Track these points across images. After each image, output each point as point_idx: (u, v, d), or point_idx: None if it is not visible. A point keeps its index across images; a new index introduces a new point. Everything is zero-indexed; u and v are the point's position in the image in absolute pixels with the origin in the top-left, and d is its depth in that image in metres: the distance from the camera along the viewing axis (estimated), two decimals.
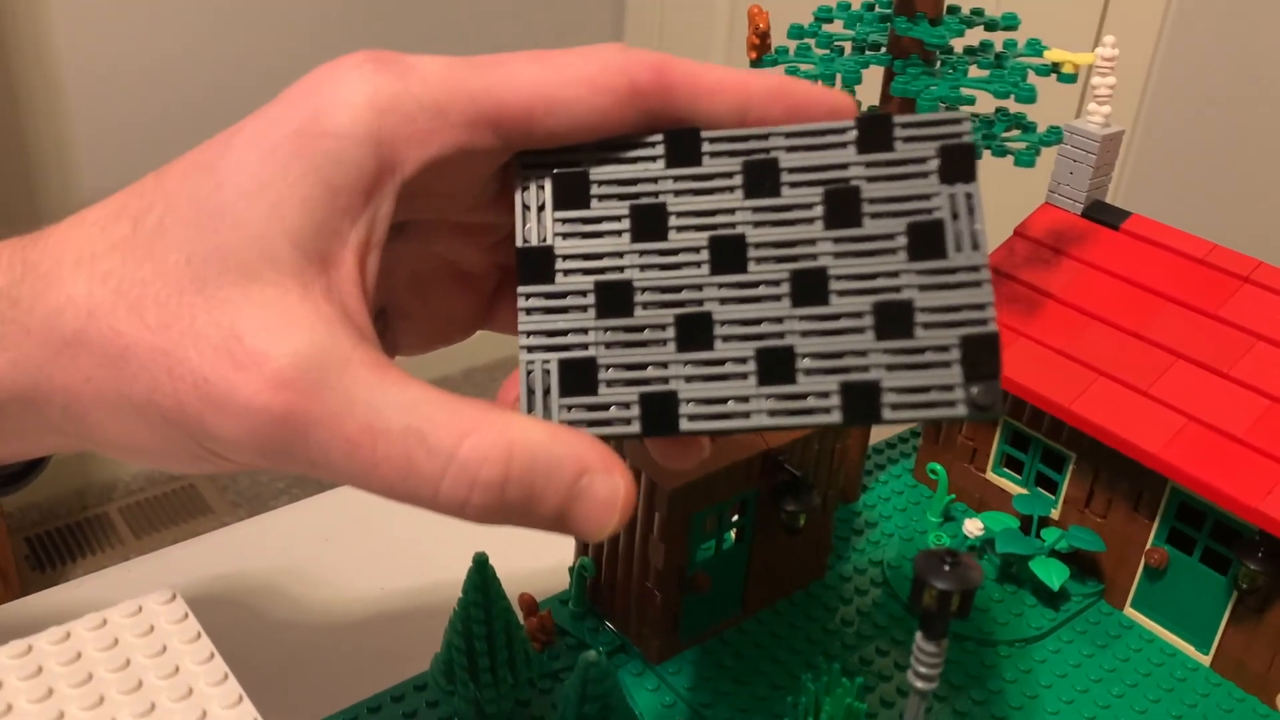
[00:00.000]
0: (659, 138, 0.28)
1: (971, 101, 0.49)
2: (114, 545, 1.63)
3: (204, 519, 1.68)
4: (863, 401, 0.26)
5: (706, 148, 0.28)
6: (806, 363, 0.27)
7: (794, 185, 0.28)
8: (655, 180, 0.28)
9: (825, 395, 0.26)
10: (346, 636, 0.50)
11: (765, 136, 0.28)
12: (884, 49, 0.47)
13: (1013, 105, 0.47)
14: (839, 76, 0.44)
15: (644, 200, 0.28)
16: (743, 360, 0.27)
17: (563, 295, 0.28)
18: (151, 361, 0.26)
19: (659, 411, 0.27)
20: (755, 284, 0.27)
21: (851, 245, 0.27)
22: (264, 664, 0.48)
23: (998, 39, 0.49)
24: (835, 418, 0.26)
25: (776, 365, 0.27)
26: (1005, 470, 0.55)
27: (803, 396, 0.26)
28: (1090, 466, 0.50)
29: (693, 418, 0.27)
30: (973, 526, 0.52)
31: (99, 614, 0.31)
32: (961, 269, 0.27)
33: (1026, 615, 0.50)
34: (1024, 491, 0.54)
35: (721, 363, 0.27)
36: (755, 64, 0.47)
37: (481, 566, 0.41)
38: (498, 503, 0.25)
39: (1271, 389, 0.45)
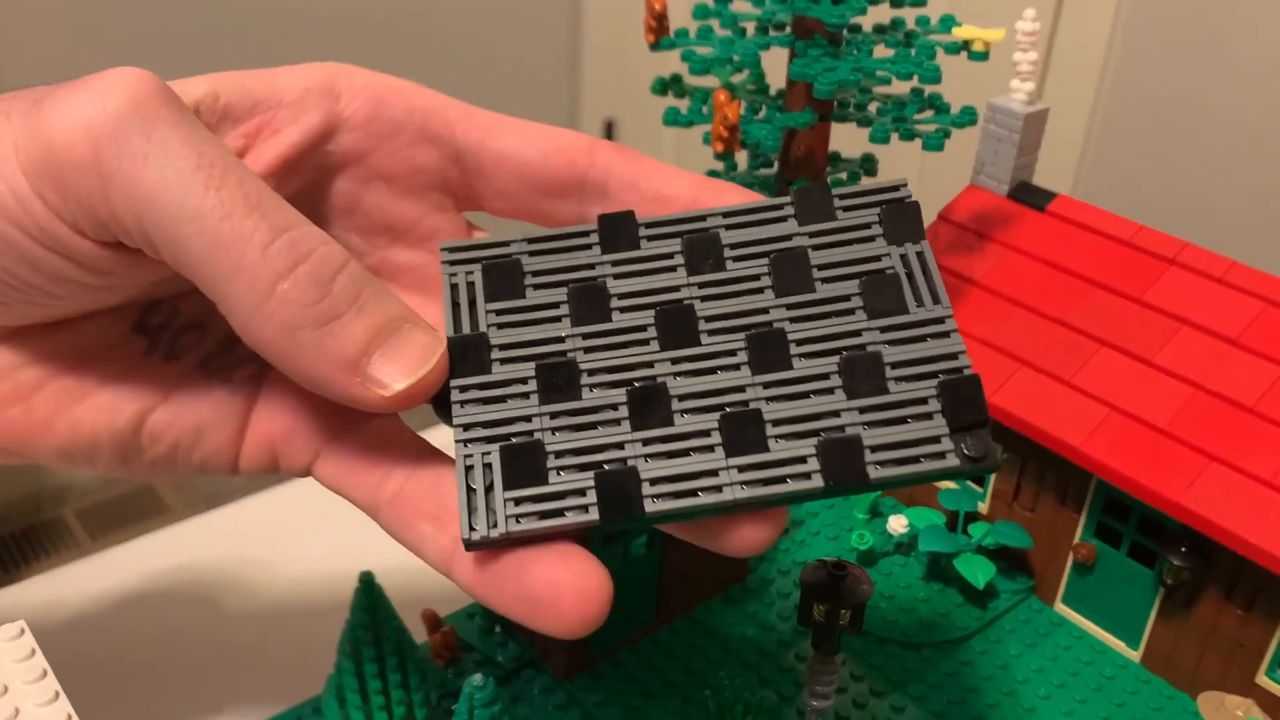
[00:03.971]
0: (591, 226, 0.27)
1: (887, 82, 0.47)
2: (70, 548, 1.60)
3: (161, 519, 1.65)
4: (844, 460, 0.24)
5: (643, 232, 0.27)
6: (777, 428, 0.24)
7: (738, 259, 0.26)
8: (593, 266, 0.27)
9: (802, 460, 0.24)
10: (247, 654, 0.48)
11: (703, 218, 0.27)
12: (788, 29, 0.45)
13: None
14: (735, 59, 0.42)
15: (582, 283, 0.26)
16: (706, 433, 0.24)
17: (502, 384, 0.26)
18: None
19: (618, 493, 0.24)
20: (710, 355, 0.25)
21: (806, 310, 0.26)
22: (159, 684, 0.46)
23: (909, 16, 0.47)
24: (816, 482, 0.24)
25: (744, 432, 0.24)
26: None
27: (778, 464, 0.24)
28: (1017, 458, 0.48)
29: (658, 497, 0.24)
30: (897, 524, 0.50)
31: None
32: (926, 321, 0.25)
33: (953, 615, 0.48)
34: (952, 486, 0.52)
35: (683, 437, 0.24)
36: (654, 47, 0.44)
37: (368, 586, 0.39)
38: (309, 299, 0.24)
39: (1195, 376, 0.44)
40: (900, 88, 0.47)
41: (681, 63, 0.45)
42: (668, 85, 0.48)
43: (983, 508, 0.51)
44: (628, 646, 0.46)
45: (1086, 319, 0.47)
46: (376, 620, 0.39)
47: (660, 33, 0.44)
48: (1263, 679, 0.42)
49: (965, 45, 0.44)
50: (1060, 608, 0.49)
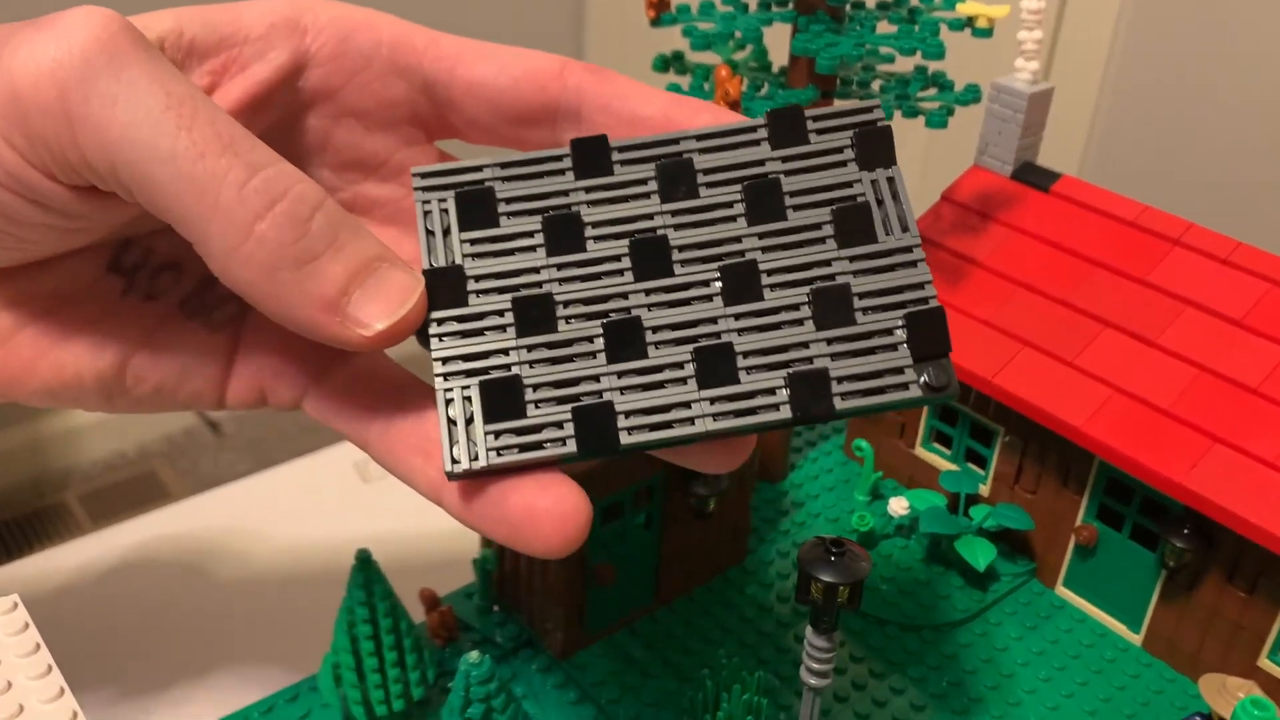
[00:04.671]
0: (564, 150, 0.27)
1: (891, 60, 0.47)
2: (72, 533, 1.60)
3: (163, 502, 1.65)
4: (812, 393, 0.25)
5: (616, 156, 0.27)
6: (747, 360, 0.25)
7: (711, 185, 0.27)
8: (566, 193, 0.27)
9: (771, 391, 0.25)
10: (243, 633, 0.48)
11: (675, 141, 0.27)
12: (790, 4, 0.44)
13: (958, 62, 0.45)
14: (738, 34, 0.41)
15: (556, 212, 0.27)
16: (679, 365, 0.25)
17: (478, 316, 0.26)
18: None
19: (595, 427, 0.25)
20: (683, 286, 0.26)
21: (778, 239, 0.26)
22: (155, 662, 0.46)
23: None
24: (784, 414, 0.25)
25: (716, 365, 0.25)
26: (934, 446, 0.53)
27: (748, 395, 0.25)
28: (1019, 440, 0.48)
29: (633, 430, 0.25)
30: (898, 505, 0.50)
31: None
32: (894, 251, 0.26)
33: (954, 597, 0.48)
34: (953, 468, 0.52)
35: (657, 369, 0.25)
36: (655, 23, 0.44)
37: (365, 564, 0.39)
38: (287, 239, 0.23)
39: (1198, 357, 0.43)
40: (904, 65, 0.46)
41: (683, 39, 0.44)
42: (669, 62, 0.47)
43: (984, 490, 0.50)
44: (626, 626, 0.45)
45: (1090, 300, 0.47)
46: (373, 599, 0.39)
47: (661, 9, 0.43)
48: (1265, 662, 0.42)
49: (969, 21, 0.43)
50: (1061, 590, 0.49)
